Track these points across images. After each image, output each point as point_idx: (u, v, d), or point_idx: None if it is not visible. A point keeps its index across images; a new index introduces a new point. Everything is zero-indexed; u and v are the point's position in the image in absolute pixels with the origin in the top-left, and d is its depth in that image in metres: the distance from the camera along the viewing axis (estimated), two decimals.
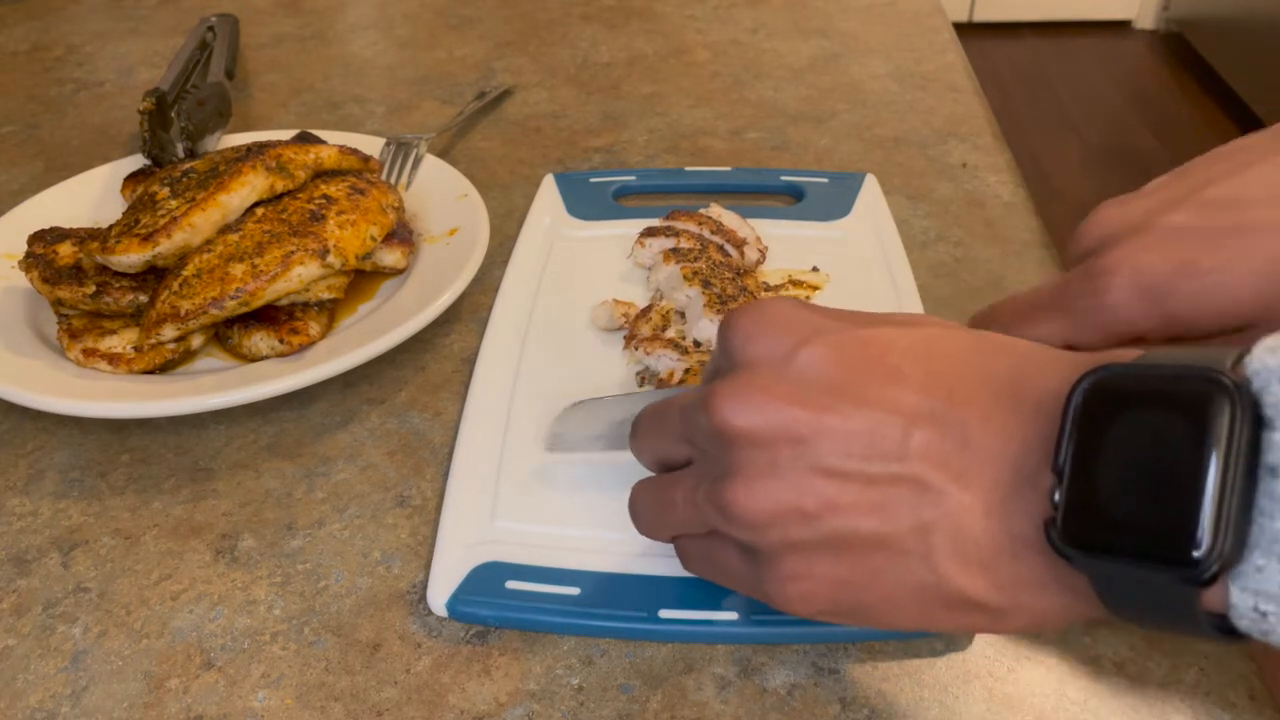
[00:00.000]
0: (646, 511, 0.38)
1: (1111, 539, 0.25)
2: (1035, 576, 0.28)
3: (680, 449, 0.35)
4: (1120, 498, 0.25)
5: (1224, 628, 0.25)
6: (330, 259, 0.52)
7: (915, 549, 0.29)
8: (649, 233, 0.59)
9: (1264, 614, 0.24)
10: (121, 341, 0.52)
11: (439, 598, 0.41)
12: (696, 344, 0.52)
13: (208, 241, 0.52)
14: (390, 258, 0.57)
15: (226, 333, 0.54)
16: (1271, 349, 0.24)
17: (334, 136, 0.67)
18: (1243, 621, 0.25)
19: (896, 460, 0.29)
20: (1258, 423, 0.24)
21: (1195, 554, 0.24)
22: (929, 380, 0.30)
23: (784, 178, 0.68)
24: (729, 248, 0.58)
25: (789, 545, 0.31)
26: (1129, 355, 0.27)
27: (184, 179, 0.55)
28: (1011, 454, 0.28)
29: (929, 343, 0.31)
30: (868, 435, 0.29)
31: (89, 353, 0.52)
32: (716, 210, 0.61)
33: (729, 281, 0.54)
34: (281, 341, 0.52)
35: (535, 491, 0.45)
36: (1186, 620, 0.25)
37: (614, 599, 0.40)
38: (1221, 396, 0.24)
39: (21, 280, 0.57)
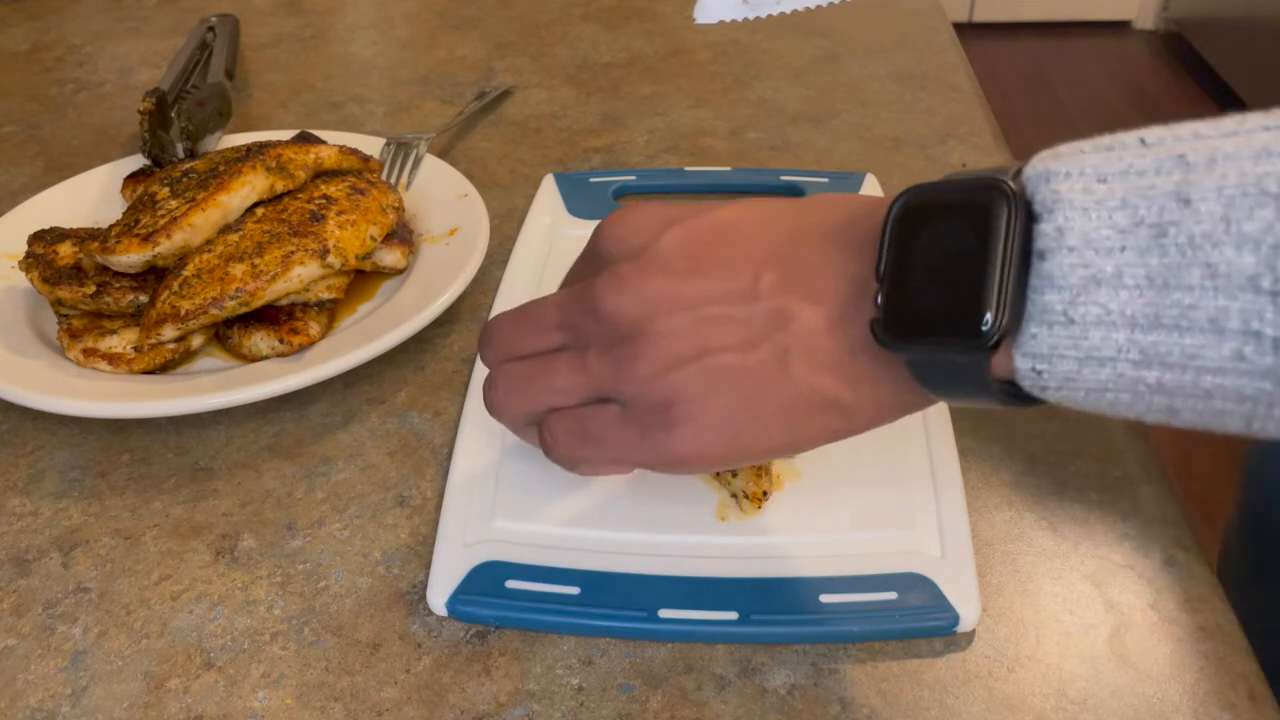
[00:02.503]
0: (516, 384, 0.39)
1: (918, 326, 0.31)
2: (873, 372, 0.33)
3: (551, 338, 0.38)
4: (925, 293, 0.31)
5: (1011, 392, 0.31)
6: (330, 259, 0.53)
7: (777, 368, 0.34)
8: None
9: (1039, 373, 0.29)
10: (121, 341, 0.52)
11: (439, 597, 0.41)
12: None
13: (208, 241, 0.52)
14: (390, 258, 0.57)
15: (226, 333, 0.54)
16: (1043, 158, 0.29)
17: (334, 136, 0.67)
18: (1025, 382, 0.30)
19: (754, 300, 0.34)
20: (1030, 218, 0.29)
21: (982, 327, 0.29)
22: (770, 237, 0.35)
23: (784, 178, 0.68)
24: None
25: (674, 391, 0.34)
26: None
27: (184, 179, 0.55)
28: (848, 275, 0.33)
29: (768, 211, 0.36)
30: (727, 286, 0.34)
31: (89, 353, 0.52)
32: None
33: None
34: (281, 341, 0.52)
35: (535, 491, 0.45)
36: (981, 387, 0.31)
37: (614, 599, 0.40)
38: (1000, 199, 0.29)
39: (21, 280, 0.57)
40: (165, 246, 0.51)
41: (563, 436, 0.38)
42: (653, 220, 0.37)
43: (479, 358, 0.41)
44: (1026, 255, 0.29)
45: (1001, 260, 0.29)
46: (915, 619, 0.40)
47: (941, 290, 0.30)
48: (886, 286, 0.31)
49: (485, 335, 0.40)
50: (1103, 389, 0.29)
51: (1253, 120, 0.27)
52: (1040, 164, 0.29)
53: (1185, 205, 0.26)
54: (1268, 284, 0.25)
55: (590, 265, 0.39)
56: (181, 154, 0.66)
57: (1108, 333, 0.28)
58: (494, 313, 0.56)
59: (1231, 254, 0.26)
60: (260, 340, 0.52)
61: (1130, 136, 0.29)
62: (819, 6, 0.59)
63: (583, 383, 0.37)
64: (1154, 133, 0.29)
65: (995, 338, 0.29)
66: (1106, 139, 0.29)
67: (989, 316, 0.29)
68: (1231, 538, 0.76)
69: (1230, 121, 0.28)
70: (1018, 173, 0.30)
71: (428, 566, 0.43)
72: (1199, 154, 0.27)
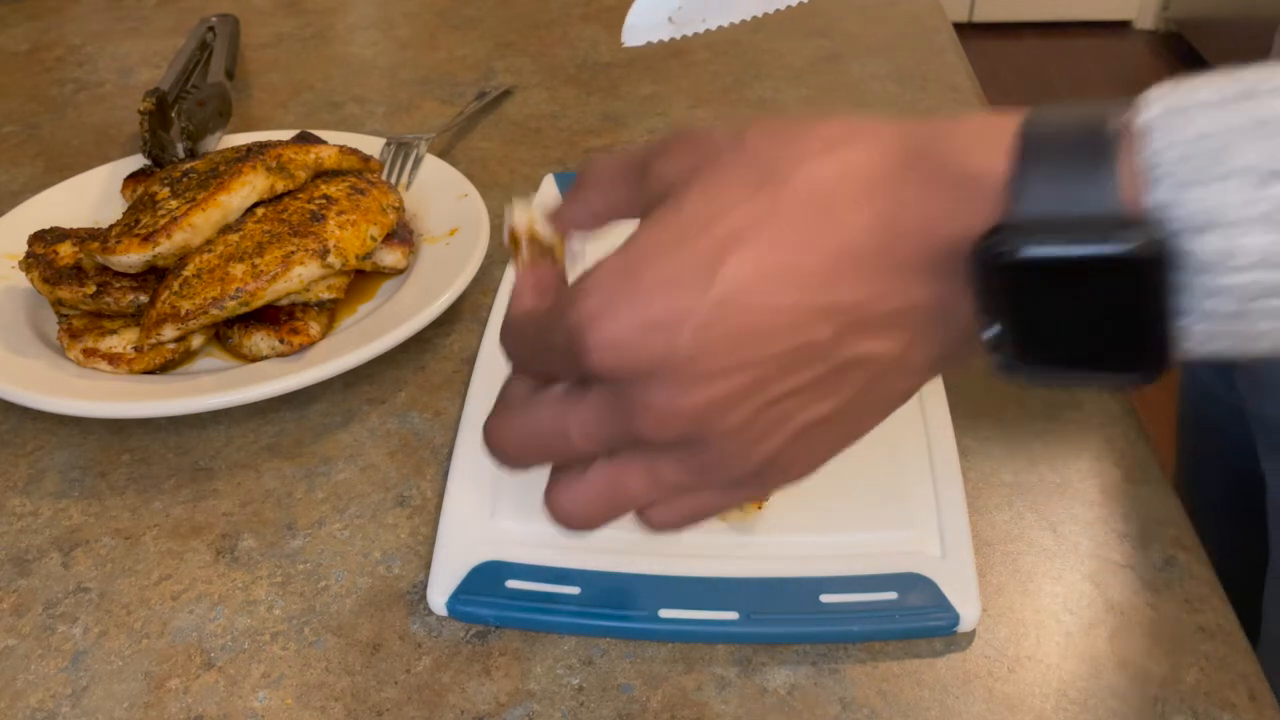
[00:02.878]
0: (588, 504, 0.35)
1: (1063, 362, 0.28)
2: (969, 357, 0.31)
3: (590, 454, 0.34)
4: (1064, 337, 0.27)
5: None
6: (330, 259, 0.53)
7: (868, 394, 0.31)
8: None
9: (1190, 350, 0.26)
10: (122, 341, 0.52)
11: (439, 597, 0.41)
12: None
13: (208, 241, 0.52)
14: (390, 258, 0.57)
15: (226, 333, 0.54)
16: (1172, 159, 0.25)
17: (334, 136, 0.67)
18: (1188, 353, 0.27)
19: (817, 360, 0.30)
20: (1164, 225, 0.25)
21: (1150, 368, 0.27)
22: (800, 288, 0.29)
23: None
24: None
25: (775, 460, 0.32)
26: (998, 174, 0.27)
27: (184, 179, 0.55)
28: (912, 304, 0.29)
29: (781, 253, 0.30)
30: (782, 363, 0.30)
31: (89, 353, 0.52)
32: None
33: None
34: (282, 341, 0.52)
35: (535, 491, 0.45)
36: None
37: (614, 599, 0.40)
38: (1137, 247, 0.25)
39: (22, 280, 0.57)
40: (165, 246, 0.51)
41: (674, 522, 0.34)
42: (646, 326, 0.30)
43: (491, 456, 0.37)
44: (1174, 265, 0.26)
45: (1157, 307, 0.26)
46: (915, 619, 0.40)
47: (1091, 337, 0.27)
48: (1007, 332, 0.28)
49: (497, 449, 0.36)
50: (1257, 347, 0.27)
51: None
52: (1175, 168, 0.25)
53: None
54: None
55: (566, 365, 0.32)
56: (182, 154, 0.66)
57: (1277, 322, 0.25)
58: (494, 313, 0.56)
59: None
60: (260, 340, 0.52)
61: (1271, 109, 0.25)
62: (744, 20, 0.59)
63: (665, 491, 0.33)
64: None
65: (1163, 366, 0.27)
66: (1245, 116, 0.25)
67: (1154, 357, 0.27)
68: None
69: None
70: (1124, 127, 0.26)
71: (428, 566, 0.43)
72: None
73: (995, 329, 0.28)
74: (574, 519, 0.35)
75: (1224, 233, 0.25)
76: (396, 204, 0.58)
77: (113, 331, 0.53)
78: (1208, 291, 0.25)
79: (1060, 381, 0.29)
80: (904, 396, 0.32)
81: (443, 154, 0.73)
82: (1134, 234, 0.25)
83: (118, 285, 0.53)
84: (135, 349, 0.52)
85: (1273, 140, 0.24)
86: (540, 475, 0.46)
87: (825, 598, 0.40)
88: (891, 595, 0.40)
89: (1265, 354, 0.27)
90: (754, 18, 0.59)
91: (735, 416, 0.30)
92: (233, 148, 0.58)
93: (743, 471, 0.32)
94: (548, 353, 0.34)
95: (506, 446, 0.36)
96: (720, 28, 0.58)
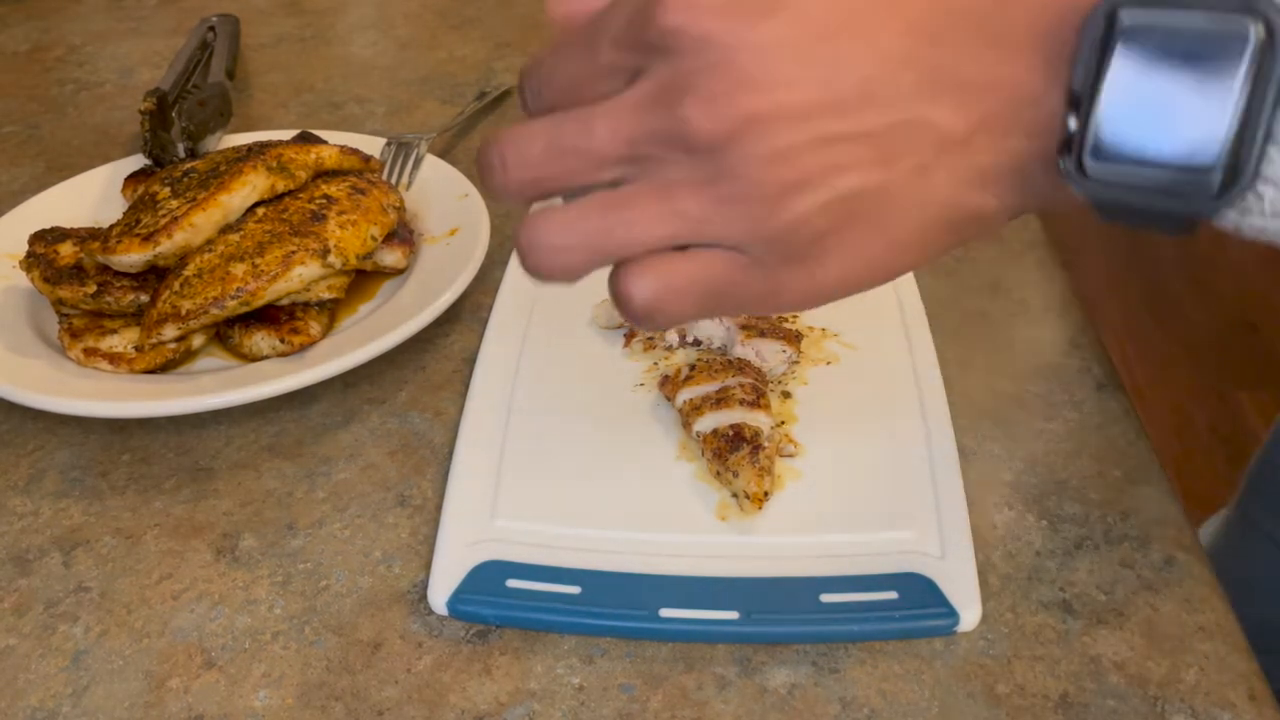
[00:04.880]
0: (577, 230, 0.30)
1: (1130, 176, 0.27)
2: (1032, 185, 0.29)
3: (607, 173, 0.30)
4: (1142, 133, 0.26)
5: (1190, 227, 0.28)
6: (331, 259, 0.53)
7: (916, 185, 0.29)
8: None
9: (1243, 228, 0.27)
10: (122, 341, 0.52)
11: (439, 597, 0.41)
12: (697, 343, 0.53)
13: (208, 241, 0.53)
14: (391, 258, 0.57)
15: (227, 332, 0.54)
16: None
17: (335, 136, 0.67)
18: (1226, 226, 0.27)
19: (891, 106, 0.28)
20: None
21: (1217, 205, 0.26)
22: (904, 24, 0.28)
23: None
24: None
25: (798, 227, 0.29)
26: None
27: (185, 179, 0.55)
28: (1007, 78, 0.28)
29: None
30: (851, 94, 0.28)
31: (90, 352, 0.52)
32: None
33: None
34: (282, 341, 0.52)
35: (535, 490, 0.45)
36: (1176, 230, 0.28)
37: (614, 598, 0.40)
38: (1250, 45, 0.25)
39: (22, 280, 0.57)
40: (166, 246, 0.51)
41: (651, 290, 0.30)
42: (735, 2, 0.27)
43: (496, 177, 0.31)
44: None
45: (1244, 117, 0.25)
46: (915, 619, 0.40)
47: (1169, 137, 0.26)
48: (1088, 113, 0.27)
49: (500, 161, 0.31)
50: None
51: None
52: None
53: None
54: None
55: (627, 38, 0.29)
56: (182, 154, 0.66)
57: None
58: (494, 313, 0.56)
59: None
60: (261, 340, 0.52)
61: None
62: None
63: (672, 230, 0.29)
64: None
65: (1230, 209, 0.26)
66: None
67: (1224, 187, 0.26)
68: None
69: None
70: None
71: (428, 566, 0.43)
72: None
73: (1074, 123, 0.27)
74: (546, 250, 0.30)
75: None
76: (397, 204, 0.58)
77: (113, 331, 0.53)
78: None
79: (1116, 197, 0.28)
80: (945, 212, 0.29)
81: (443, 154, 0.73)
82: (1246, 16, 0.25)
83: (118, 285, 0.53)
84: (136, 349, 0.52)
85: None
86: (542, 477, 0.46)
87: (825, 597, 0.40)
88: (891, 595, 0.40)
89: None
90: None
91: (783, 139, 0.27)
92: (233, 148, 0.58)
93: (769, 234, 0.29)
94: (602, 41, 0.29)
95: (510, 154, 0.30)
96: None
